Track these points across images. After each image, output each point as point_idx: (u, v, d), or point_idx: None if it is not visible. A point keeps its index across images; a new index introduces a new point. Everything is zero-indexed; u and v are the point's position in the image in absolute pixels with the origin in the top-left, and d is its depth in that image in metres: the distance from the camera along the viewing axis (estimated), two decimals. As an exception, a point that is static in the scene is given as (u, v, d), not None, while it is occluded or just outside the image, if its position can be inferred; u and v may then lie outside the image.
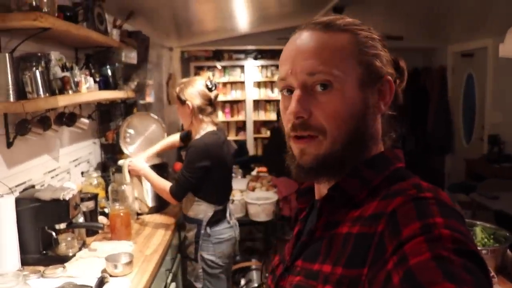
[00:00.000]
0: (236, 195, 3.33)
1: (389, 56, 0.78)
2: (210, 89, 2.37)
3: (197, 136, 2.36)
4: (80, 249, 2.04)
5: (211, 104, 2.39)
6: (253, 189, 3.61)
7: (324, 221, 0.75)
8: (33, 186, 2.10)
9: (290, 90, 0.75)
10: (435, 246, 0.54)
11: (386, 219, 0.62)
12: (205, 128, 2.37)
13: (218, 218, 2.41)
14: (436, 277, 0.50)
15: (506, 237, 1.68)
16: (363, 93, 0.72)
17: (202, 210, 2.38)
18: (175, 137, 2.71)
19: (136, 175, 2.52)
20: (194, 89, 2.35)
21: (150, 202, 2.63)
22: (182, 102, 2.36)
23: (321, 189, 0.80)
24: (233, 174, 2.70)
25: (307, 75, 0.72)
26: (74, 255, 1.97)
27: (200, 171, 2.29)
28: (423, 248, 0.54)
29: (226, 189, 2.53)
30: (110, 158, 3.02)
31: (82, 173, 2.64)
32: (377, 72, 0.73)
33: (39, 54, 2.00)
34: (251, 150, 7.25)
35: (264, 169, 4.92)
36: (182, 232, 2.80)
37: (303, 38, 0.74)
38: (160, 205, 2.71)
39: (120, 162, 2.55)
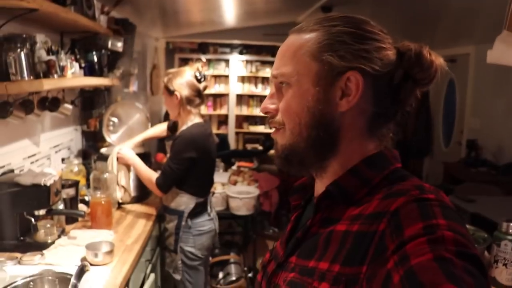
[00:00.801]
0: (217, 188, 3.32)
1: (379, 48, 0.73)
2: (199, 80, 2.35)
3: (184, 127, 2.34)
4: (59, 236, 2.00)
5: (200, 95, 2.37)
6: (235, 183, 3.61)
7: (321, 217, 0.75)
8: (12, 171, 2.06)
9: None
10: (438, 247, 0.54)
11: (388, 218, 0.62)
12: (192, 120, 2.35)
13: (199, 210, 2.40)
14: (437, 277, 0.50)
15: (484, 238, 1.71)
16: (319, 89, 0.73)
17: (184, 202, 2.36)
18: (163, 126, 2.69)
19: (124, 164, 2.49)
20: (183, 80, 2.32)
21: (132, 192, 2.60)
22: (170, 93, 2.33)
23: (319, 186, 0.81)
24: (216, 167, 2.69)
25: (273, 77, 0.79)
26: (53, 242, 1.93)
27: (187, 162, 2.27)
28: (425, 248, 0.54)
29: (209, 182, 2.52)
30: (91, 146, 2.97)
31: (62, 159, 2.59)
32: (336, 69, 0.72)
33: (24, 35, 1.95)
34: (232, 144, 7.25)
35: (245, 163, 4.90)
36: (161, 223, 2.78)
37: (282, 44, 0.80)
38: (141, 195, 2.69)
39: (104, 149, 2.51)
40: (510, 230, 1.63)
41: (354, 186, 0.73)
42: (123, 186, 2.53)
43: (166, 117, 4.52)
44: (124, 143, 2.55)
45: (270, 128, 0.82)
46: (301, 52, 0.75)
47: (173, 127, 2.59)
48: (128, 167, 2.53)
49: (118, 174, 2.49)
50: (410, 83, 0.75)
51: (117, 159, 2.46)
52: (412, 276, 0.52)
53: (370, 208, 0.67)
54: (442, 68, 0.75)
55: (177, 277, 2.41)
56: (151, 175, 2.36)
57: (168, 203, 2.40)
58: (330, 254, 0.67)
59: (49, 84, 1.93)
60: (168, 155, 2.42)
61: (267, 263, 0.87)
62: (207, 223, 2.44)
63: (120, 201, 2.57)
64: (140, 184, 2.51)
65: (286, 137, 0.78)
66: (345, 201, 0.72)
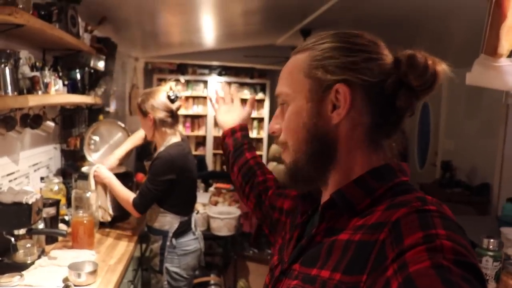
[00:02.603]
0: (198, 209, 3.29)
1: (368, 59, 0.74)
2: (172, 100, 2.32)
3: (161, 148, 2.31)
4: (39, 257, 1.94)
5: (173, 115, 2.34)
6: (216, 204, 3.59)
7: (325, 226, 0.76)
8: (-10, 189, 2.00)
9: None
10: (436, 255, 0.54)
11: (389, 228, 0.63)
12: (169, 140, 2.33)
13: (184, 229, 2.37)
14: (435, 284, 0.50)
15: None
16: (311, 105, 0.76)
17: (168, 221, 2.33)
18: (140, 134, 2.60)
19: (101, 183, 2.44)
20: (156, 101, 2.29)
21: (111, 211, 2.55)
22: (144, 114, 2.32)
23: (325, 197, 0.81)
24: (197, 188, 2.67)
25: (276, 97, 0.84)
26: (33, 263, 1.87)
27: (165, 184, 2.25)
28: (424, 256, 0.55)
29: (191, 200, 2.50)
30: (71, 165, 2.91)
31: (41, 178, 2.53)
32: (324, 83, 0.75)
33: (9, 51, 1.92)
34: (210, 165, 7.22)
35: (222, 184, 4.87)
36: (143, 243, 2.73)
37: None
38: (122, 215, 2.63)
39: (85, 168, 2.46)
40: (491, 246, 1.67)
41: (357, 195, 0.73)
42: (101, 206, 2.48)
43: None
44: (107, 158, 2.51)
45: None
46: (296, 71, 0.79)
47: None
48: (105, 186, 2.48)
49: (95, 194, 2.44)
50: (404, 90, 0.74)
51: (94, 177, 2.42)
52: (410, 283, 0.52)
53: (373, 219, 0.68)
54: (442, 74, 0.74)
55: (162, 298, 2.35)
56: (128, 195, 2.32)
57: (152, 223, 2.36)
58: (332, 262, 0.68)
59: (34, 101, 1.90)
60: (147, 175, 2.39)
61: (274, 267, 0.87)
62: (192, 243, 2.41)
63: (102, 220, 2.51)
64: (120, 204, 2.46)
65: (290, 155, 0.81)
66: (348, 210, 0.73)
